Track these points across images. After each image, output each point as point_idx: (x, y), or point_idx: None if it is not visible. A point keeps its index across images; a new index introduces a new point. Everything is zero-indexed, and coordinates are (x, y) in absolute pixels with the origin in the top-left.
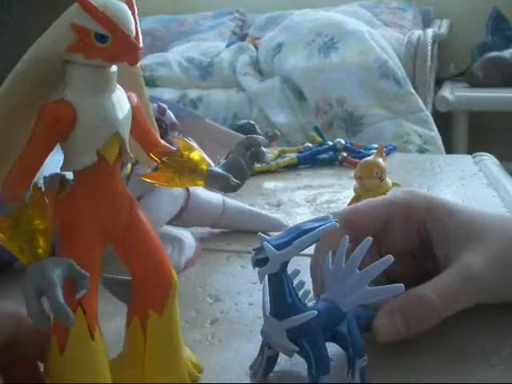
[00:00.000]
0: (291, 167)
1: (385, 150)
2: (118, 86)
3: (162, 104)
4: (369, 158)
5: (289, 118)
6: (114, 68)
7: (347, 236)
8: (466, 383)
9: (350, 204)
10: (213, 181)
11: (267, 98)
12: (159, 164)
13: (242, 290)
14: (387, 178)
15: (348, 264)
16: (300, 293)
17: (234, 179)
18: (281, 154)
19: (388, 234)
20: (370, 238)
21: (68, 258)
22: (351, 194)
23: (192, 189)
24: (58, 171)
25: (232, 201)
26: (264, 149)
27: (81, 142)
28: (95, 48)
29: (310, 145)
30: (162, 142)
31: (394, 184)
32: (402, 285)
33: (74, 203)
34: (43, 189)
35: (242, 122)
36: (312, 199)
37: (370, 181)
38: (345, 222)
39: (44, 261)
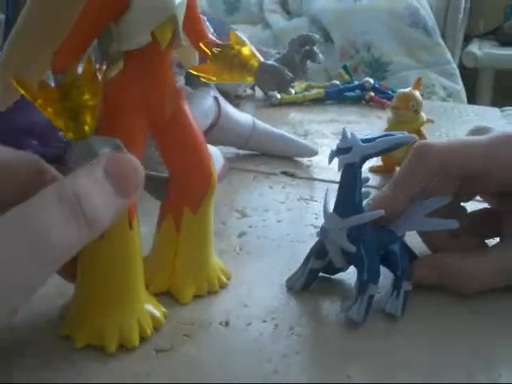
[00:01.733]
0: (317, 102)
1: None
2: None
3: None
4: (406, 89)
5: None
6: None
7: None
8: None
9: None
10: (266, 75)
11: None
12: (209, 56)
13: (270, 208)
14: (422, 113)
15: (417, 205)
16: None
17: (289, 73)
18: (308, 88)
19: (475, 183)
20: (449, 198)
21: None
22: (379, 131)
23: (223, 106)
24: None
25: (262, 123)
26: (316, 49)
27: (136, 21)
28: None
29: (338, 82)
30: (210, 35)
31: (429, 120)
32: (456, 221)
33: (122, 84)
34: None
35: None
36: (339, 132)
37: (406, 112)
38: (438, 160)
39: (91, 138)
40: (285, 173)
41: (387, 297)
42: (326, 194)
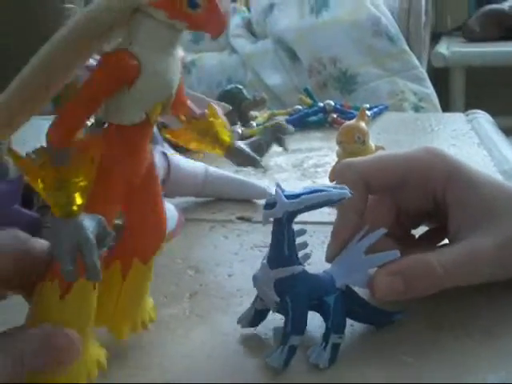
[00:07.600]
0: None
1: (375, 110)
2: None
3: None
4: (350, 122)
5: (283, 79)
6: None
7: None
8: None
9: None
10: (237, 155)
11: (260, 59)
12: (185, 124)
13: (223, 262)
14: (370, 142)
15: (356, 246)
16: (300, 254)
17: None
18: (271, 117)
19: (403, 191)
20: (384, 230)
21: (97, 213)
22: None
23: (172, 160)
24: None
25: (214, 169)
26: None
27: (136, 99)
28: (183, 12)
29: (301, 107)
30: (189, 102)
31: (378, 147)
32: (396, 251)
33: (109, 156)
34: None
35: (229, 86)
36: (299, 164)
37: (352, 145)
38: (360, 174)
39: (78, 218)
40: (241, 218)
41: (315, 348)
42: None
